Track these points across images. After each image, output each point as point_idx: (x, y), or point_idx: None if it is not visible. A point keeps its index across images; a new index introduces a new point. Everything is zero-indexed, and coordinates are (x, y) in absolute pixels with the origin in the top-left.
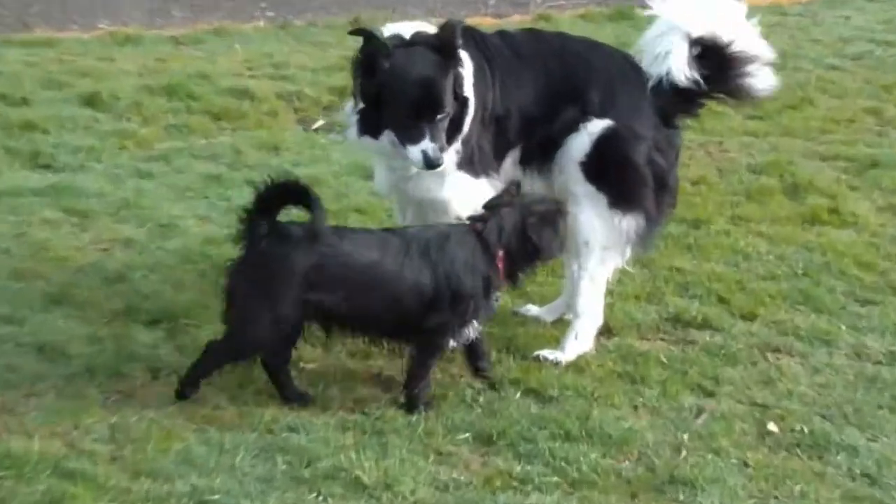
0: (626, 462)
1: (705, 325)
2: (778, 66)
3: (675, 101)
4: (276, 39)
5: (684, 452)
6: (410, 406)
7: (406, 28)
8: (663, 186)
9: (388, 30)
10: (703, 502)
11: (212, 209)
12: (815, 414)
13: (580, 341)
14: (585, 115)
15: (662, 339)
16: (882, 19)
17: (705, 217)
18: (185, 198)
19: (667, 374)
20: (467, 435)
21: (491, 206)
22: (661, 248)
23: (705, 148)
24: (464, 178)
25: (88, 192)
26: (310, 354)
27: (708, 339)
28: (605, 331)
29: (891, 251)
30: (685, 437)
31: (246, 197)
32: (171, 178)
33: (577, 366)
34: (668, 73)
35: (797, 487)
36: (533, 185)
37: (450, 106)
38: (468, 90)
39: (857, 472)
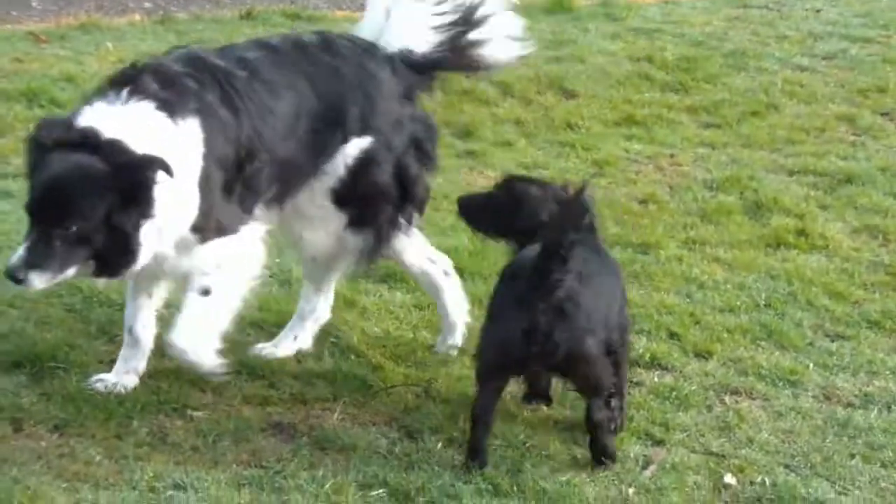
0: None
1: (654, 363)
2: (738, 67)
3: (416, 79)
4: (155, 36)
5: None
6: None
7: (111, 119)
8: (408, 198)
9: (81, 118)
10: None
11: None
12: (779, 464)
13: (300, 341)
14: (345, 138)
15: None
16: (858, 12)
17: (654, 241)
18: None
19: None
20: (382, 491)
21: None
22: None
23: (655, 161)
24: (218, 243)
25: None
26: (199, 400)
27: (657, 379)
28: None
29: (866, 279)
30: (630, 491)
31: None
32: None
33: (507, 411)
34: (407, 51)
35: None
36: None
37: (84, 226)
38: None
39: None
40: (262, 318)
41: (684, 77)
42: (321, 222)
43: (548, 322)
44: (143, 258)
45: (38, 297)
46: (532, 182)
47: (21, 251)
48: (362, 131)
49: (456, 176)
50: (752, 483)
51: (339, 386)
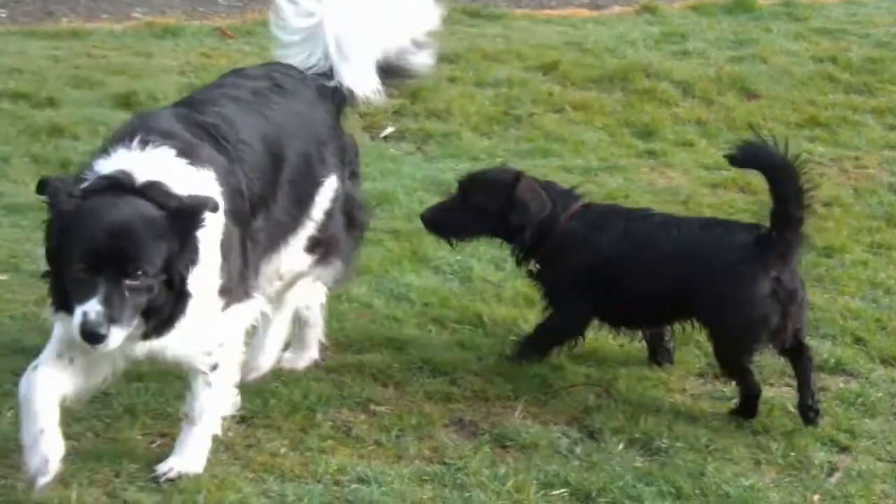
0: None
1: (839, 369)
2: None
3: (342, 102)
4: None
5: None
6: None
7: (136, 164)
8: (354, 224)
9: (104, 166)
10: None
11: None
12: None
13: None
14: (318, 182)
15: (788, 385)
16: None
17: (839, 244)
18: None
19: (793, 424)
20: (563, 491)
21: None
22: None
23: (839, 164)
24: (234, 310)
25: None
26: (382, 395)
27: (842, 385)
28: (721, 374)
29: None
30: (816, 497)
31: None
32: None
33: (690, 414)
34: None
35: None
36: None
37: (151, 272)
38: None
39: None
40: (443, 315)
41: (869, 79)
42: (293, 272)
43: (796, 298)
44: (190, 311)
45: None
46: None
47: (95, 305)
48: (327, 172)
49: (636, 175)
50: None
51: (520, 384)
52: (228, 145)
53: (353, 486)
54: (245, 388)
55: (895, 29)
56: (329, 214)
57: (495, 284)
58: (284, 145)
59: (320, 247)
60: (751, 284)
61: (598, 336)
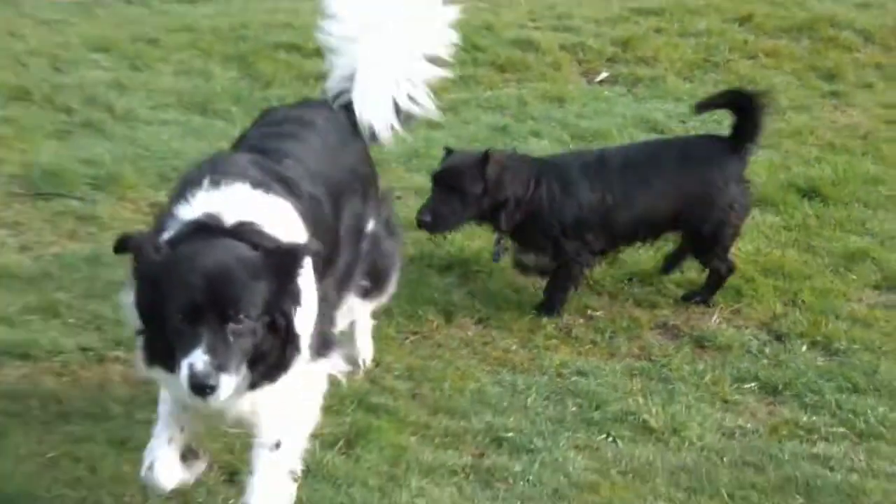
0: None
1: None
2: None
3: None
4: None
5: None
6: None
7: (224, 205)
8: (387, 260)
9: (186, 212)
10: None
11: None
12: None
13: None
14: (366, 218)
15: None
16: None
17: None
18: (473, 145)
19: None
20: (753, 385)
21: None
22: None
23: None
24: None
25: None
26: (597, 302)
27: None
28: (895, 287)
29: None
30: None
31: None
32: (459, 128)
33: (865, 321)
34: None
35: None
36: None
37: (253, 315)
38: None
39: None
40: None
41: None
42: (353, 317)
43: None
44: (304, 350)
45: None
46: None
47: (201, 356)
48: (368, 219)
49: (820, 113)
50: None
51: (717, 294)
52: (302, 198)
53: (573, 378)
54: (481, 293)
55: None
56: (369, 258)
57: None
58: (343, 199)
59: (370, 291)
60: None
61: (786, 253)
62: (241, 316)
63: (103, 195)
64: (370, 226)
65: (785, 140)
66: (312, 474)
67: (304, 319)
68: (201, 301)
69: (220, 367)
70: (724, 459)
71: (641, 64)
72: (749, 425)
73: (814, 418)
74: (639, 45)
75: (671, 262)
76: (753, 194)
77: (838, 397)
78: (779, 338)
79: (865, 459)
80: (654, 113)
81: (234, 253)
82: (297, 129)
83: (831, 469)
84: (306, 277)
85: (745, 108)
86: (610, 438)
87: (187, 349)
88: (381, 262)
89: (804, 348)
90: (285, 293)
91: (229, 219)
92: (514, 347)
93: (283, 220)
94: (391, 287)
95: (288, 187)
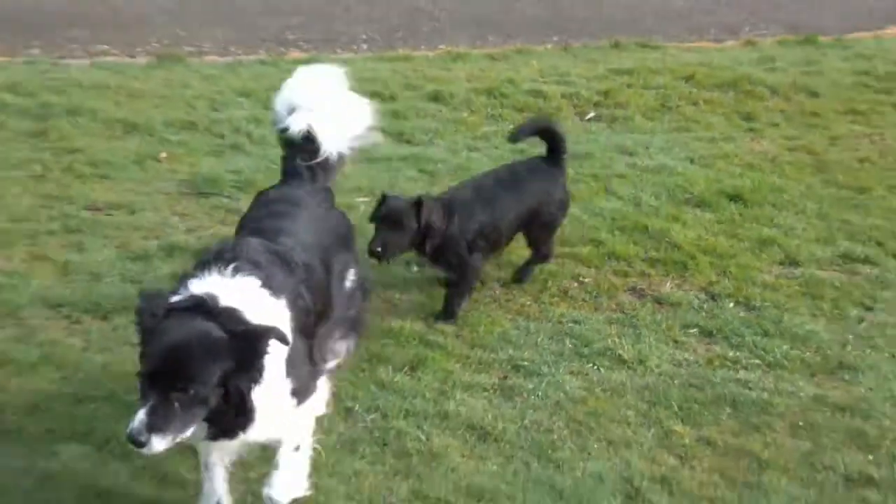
0: (808, 353)
1: (867, 261)
2: None
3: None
4: (560, 57)
5: (850, 347)
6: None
7: (219, 288)
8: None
9: (195, 287)
10: (863, 382)
11: None
12: None
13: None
14: (347, 270)
15: (836, 270)
16: None
17: (868, 186)
18: (499, 163)
19: (838, 293)
20: (695, 330)
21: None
22: (833, 205)
23: (869, 137)
24: (308, 405)
25: (435, 159)
26: (586, 273)
27: (868, 270)
28: (794, 263)
29: None
30: (850, 337)
31: None
32: (491, 151)
33: (773, 286)
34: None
35: None
36: None
37: (200, 388)
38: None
39: None
40: (623, 225)
41: (890, 84)
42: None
43: None
44: (257, 421)
45: None
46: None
47: (141, 415)
48: (350, 266)
49: (742, 142)
50: None
51: (665, 266)
52: (297, 269)
53: (570, 324)
54: (504, 265)
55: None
56: (351, 298)
57: (655, 207)
58: (331, 258)
59: (346, 327)
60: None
61: (717, 238)
62: (188, 387)
63: (244, 194)
64: (352, 272)
65: (717, 161)
66: (387, 388)
67: (274, 386)
68: (155, 369)
69: (153, 428)
70: (675, 382)
71: (618, 107)
72: (692, 358)
73: (737, 353)
74: (616, 95)
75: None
76: (693, 198)
77: (754, 339)
78: (713, 297)
79: (773, 382)
80: (626, 141)
81: (201, 332)
82: (288, 208)
83: (749, 389)
84: (278, 353)
85: (547, 131)
86: (595, 367)
87: (138, 406)
88: (361, 306)
89: (731, 305)
90: (243, 371)
91: (224, 301)
92: (528, 303)
93: (270, 309)
94: (360, 331)
95: (285, 264)
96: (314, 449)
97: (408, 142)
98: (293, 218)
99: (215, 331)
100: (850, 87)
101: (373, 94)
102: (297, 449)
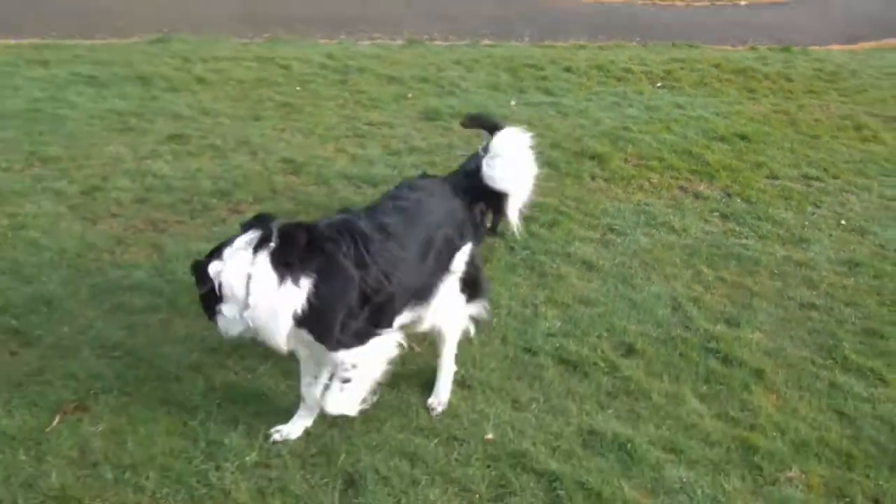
0: (781, 230)
1: (817, 178)
2: None
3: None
4: (641, 50)
5: (805, 228)
6: None
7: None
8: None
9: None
10: (812, 249)
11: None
12: None
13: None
14: (458, 248)
15: (799, 183)
16: None
17: (819, 134)
18: (604, 108)
19: (800, 196)
20: (716, 213)
21: None
22: (799, 144)
23: (820, 106)
24: (351, 351)
25: (566, 105)
26: (653, 176)
27: (818, 184)
28: (775, 177)
29: None
30: (806, 222)
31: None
32: (598, 102)
33: (763, 190)
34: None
35: None
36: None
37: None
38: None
39: None
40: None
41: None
42: (451, 306)
43: None
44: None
45: None
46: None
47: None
48: (463, 241)
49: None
50: None
51: (700, 175)
52: (367, 253)
53: (643, 206)
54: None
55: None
56: (468, 267)
57: (695, 140)
58: (434, 236)
59: (469, 285)
60: None
61: (731, 160)
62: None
63: (454, 120)
64: (465, 249)
65: (732, 115)
66: (534, 236)
67: (262, 321)
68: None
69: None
70: (704, 243)
71: (675, 81)
72: (714, 230)
73: (741, 229)
74: (674, 73)
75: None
76: (717, 136)
77: (751, 221)
78: (728, 195)
79: (761, 247)
80: (679, 100)
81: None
82: (403, 193)
83: (747, 250)
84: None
85: (491, 126)
86: (657, 231)
87: None
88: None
89: (738, 200)
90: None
91: (213, 268)
92: (619, 192)
93: (263, 283)
94: (483, 294)
95: (354, 242)
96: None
97: (550, 94)
98: (408, 205)
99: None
100: (810, 77)
101: (530, 66)
102: (346, 381)
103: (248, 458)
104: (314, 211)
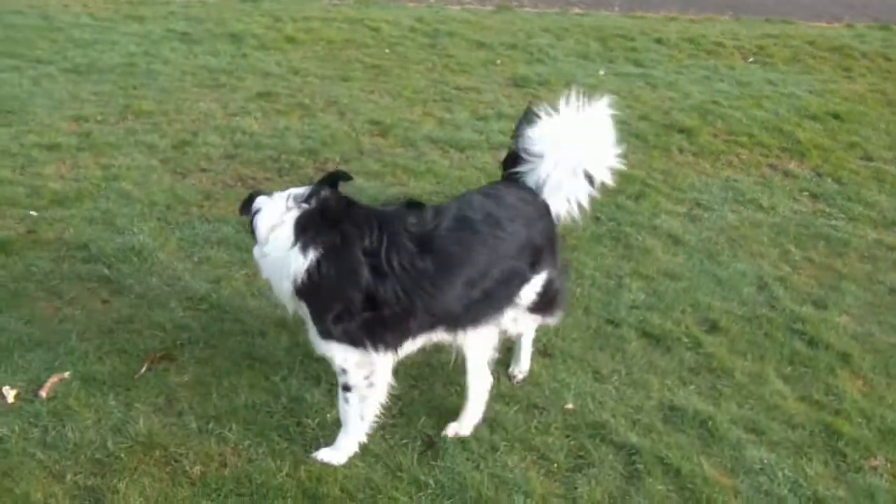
0: (873, 213)
1: None
2: None
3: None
4: (734, 24)
5: None
6: None
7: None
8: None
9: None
10: None
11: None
12: None
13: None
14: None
15: (895, 165)
16: None
17: None
18: (693, 82)
19: (895, 179)
20: (806, 193)
21: None
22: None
23: None
24: (339, 346)
25: (656, 76)
26: (743, 152)
27: None
28: (869, 158)
29: None
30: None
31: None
32: (689, 75)
33: (856, 171)
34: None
35: None
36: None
37: None
38: None
39: None
40: None
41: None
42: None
43: None
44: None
45: None
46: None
47: None
48: (538, 271)
49: None
50: None
51: (790, 153)
52: (389, 261)
53: (732, 182)
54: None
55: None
56: (540, 297)
57: (787, 117)
58: (494, 265)
59: (541, 308)
60: None
61: (823, 139)
62: None
63: (544, 89)
64: (540, 278)
65: (826, 94)
66: (620, 208)
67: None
68: None
69: None
70: (792, 222)
71: (767, 56)
72: (804, 209)
73: (831, 210)
74: (766, 49)
75: None
76: (809, 114)
77: (842, 202)
78: (819, 175)
79: (851, 229)
80: (771, 76)
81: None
82: (484, 203)
83: (837, 231)
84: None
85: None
86: (745, 208)
87: None
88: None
89: (829, 180)
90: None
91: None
92: (708, 167)
93: (282, 238)
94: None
95: (376, 239)
96: None
97: (640, 66)
98: (475, 224)
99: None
100: None
101: (620, 37)
102: (345, 389)
103: (328, 416)
104: (400, 173)
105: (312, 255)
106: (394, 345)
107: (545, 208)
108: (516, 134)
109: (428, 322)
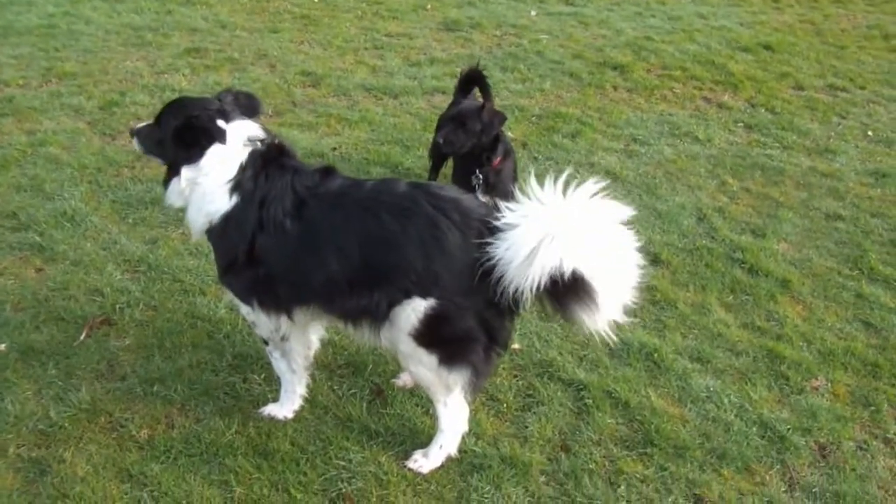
0: (807, 141)
1: (843, 89)
2: None
3: None
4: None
5: (831, 140)
6: None
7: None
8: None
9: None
10: (838, 160)
11: None
12: None
13: (444, 450)
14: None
15: (824, 94)
16: None
17: (846, 44)
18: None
19: (826, 107)
20: (741, 124)
21: None
22: (825, 55)
23: (846, 16)
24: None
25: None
26: (677, 86)
27: (844, 95)
28: (800, 88)
29: None
30: (832, 133)
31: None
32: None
33: (788, 101)
34: None
35: None
36: None
37: None
38: None
39: None
40: None
41: None
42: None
43: None
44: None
45: None
46: None
47: None
48: (416, 293)
49: None
50: None
51: (724, 85)
52: (274, 221)
53: (667, 116)
54: None
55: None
56: (424, 328)
57: (718, 50)
58: (367, 261)
59: (430, 343)
60: None
61: (755, 71)
62: None
63: (475, 31)
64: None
65: (756, 25)
66: (557, 147)
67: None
68: None
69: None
70: (729, 154)
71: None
72: (739, 140)
73: (766, 139)
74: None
75: None
76: (741, 46)
77: (776, 131)
78: (752, 106)
79: (786, 157)
80: (702, 10)
81: None
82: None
83: (772, 160)
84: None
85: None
86: (681, 142)
87: None
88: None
89: (763, 110)
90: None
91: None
92: (642, 102)
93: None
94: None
95: (284, 195)
96: None
97: (572, 4)
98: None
99: None
100: None
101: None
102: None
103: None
104: (335, 123)
105: (236, 199)
106: (275, 309)
107: (481, 235)
108: (454, 103)
109: (295, 293)
